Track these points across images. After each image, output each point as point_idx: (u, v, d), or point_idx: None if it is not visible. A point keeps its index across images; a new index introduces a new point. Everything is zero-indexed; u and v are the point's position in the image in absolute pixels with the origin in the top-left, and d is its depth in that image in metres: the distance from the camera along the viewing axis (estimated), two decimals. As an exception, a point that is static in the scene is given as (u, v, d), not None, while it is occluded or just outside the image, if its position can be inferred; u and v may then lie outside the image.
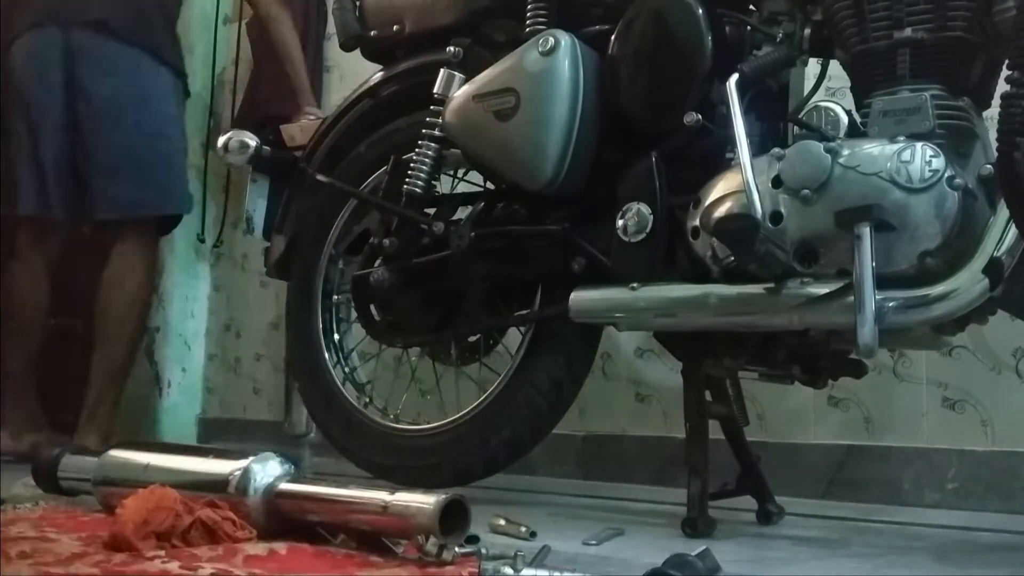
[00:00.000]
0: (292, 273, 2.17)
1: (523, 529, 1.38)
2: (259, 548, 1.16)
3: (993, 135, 1.20)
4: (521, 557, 1.05)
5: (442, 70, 1.84)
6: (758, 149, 1.46)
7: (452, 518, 1.12)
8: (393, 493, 1.16)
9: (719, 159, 1.54)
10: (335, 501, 1.22)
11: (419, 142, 1.87)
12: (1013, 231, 1.29)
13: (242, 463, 1.29)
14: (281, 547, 1.17)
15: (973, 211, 1.33)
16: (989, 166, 1.33)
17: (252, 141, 2.05)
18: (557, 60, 1.63)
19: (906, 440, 2.03)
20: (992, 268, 1.30)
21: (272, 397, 3.28)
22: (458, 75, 1.82)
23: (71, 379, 2.96)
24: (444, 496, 1.11)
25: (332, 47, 3.20)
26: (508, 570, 1.03)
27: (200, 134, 3.59)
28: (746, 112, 1.46)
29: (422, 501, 1.12)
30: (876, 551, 1.45)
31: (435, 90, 1.84)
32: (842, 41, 1.45)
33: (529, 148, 1.64)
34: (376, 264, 1.88)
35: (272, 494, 1.26)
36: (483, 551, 1.15)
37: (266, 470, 1.29)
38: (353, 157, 2.06)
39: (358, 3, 2.05)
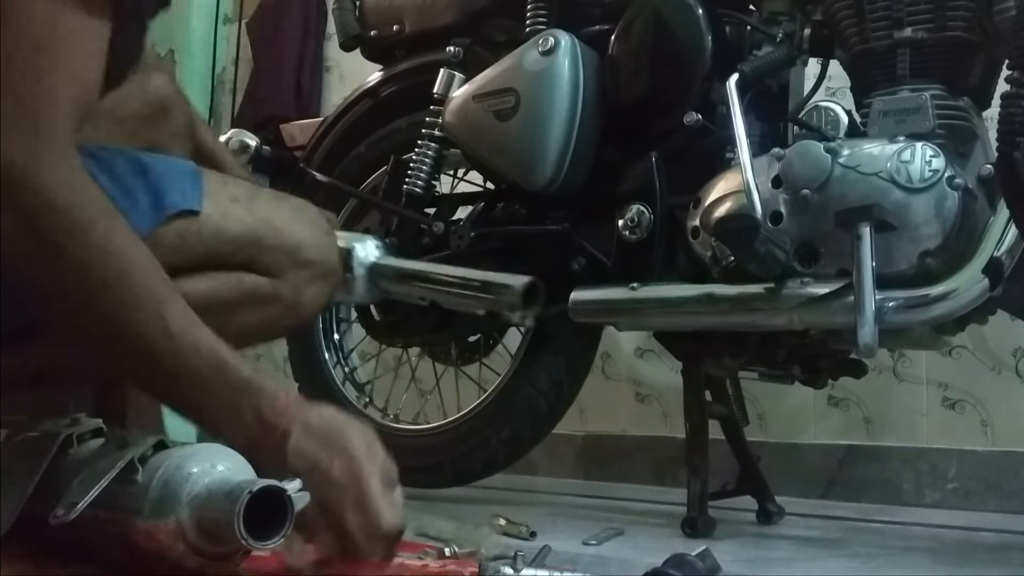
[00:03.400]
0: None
1: (523, 529, 1.38)
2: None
3: (993, 135, 1.20)
4: (521, 557, 1.04)
5: (442, 70, 1.84)
6: (758, 149, 1.46)
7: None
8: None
9: (719, 159, 1.54)
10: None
11: (419, 142, 1.87)
12: (1013, 231, 1.29)
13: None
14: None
15: (973, 211, 1.33)
16: (989, 166, 1.33)
17: (252, 141, 2.05)
18: (557, 60, 1.63)
19: (906, 440, 2.03)
20: (992, 268, 1.30)
21: (272, 397, 3.28)
22: (458, 75, 1.82)
23: None
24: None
25: (332, 47, 3.20)
26: (508, 570, 1.02)
27: (200, 134, 3.59)
28: (746, 112, 1.46)
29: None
30: (876, 551, 1.45)
31: (435, 90, 1.83)
32: (842, 41, 1.45)
33: (529, 148, 1.64)
34: (376, 264, 1.88)
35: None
36: (483, 551, 1.15)
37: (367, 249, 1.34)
38: (353, 157, 2.06)
39: (358, 3, 2.05)
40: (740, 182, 1.41)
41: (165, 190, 1.13)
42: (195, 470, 0.92)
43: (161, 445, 0.97)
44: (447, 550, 1.16)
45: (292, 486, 0.92)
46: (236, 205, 1.19)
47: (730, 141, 1.48)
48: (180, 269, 1.13)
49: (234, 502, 0.86)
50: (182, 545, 0.90)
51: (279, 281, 1.22)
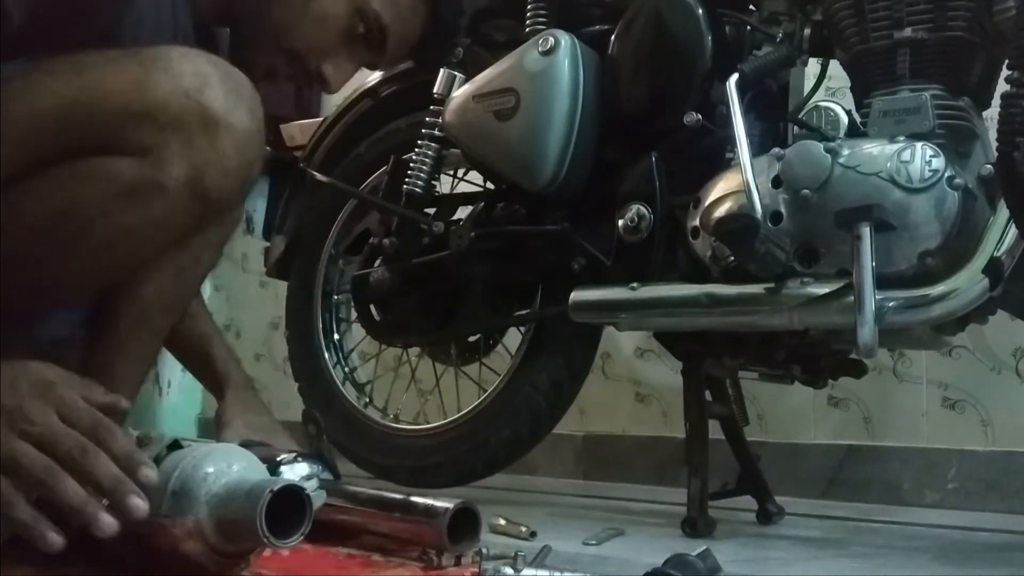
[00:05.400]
0: (292, 273, 2.17)
1: (523, 529, 1.38)
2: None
3: (993, 135, 1.20)
4: (521, 557, 1.04)
5: (442, 70, 1.84)
6: (758, 149, 1.46)
7: (461, 526, 1.11)
8: (406, 500, 1.15)
9: (719, 159, 1.54)
10: (352, 508, 1.21)
11: (419, 142, 1.87)
12: (1013, 231, 1.29)
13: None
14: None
15: (973, 211, 1.33)
16: (989, 166, 1.33)
17: (252, 141, 2.05)
18: (557, 60, 1.63)
19: (906, 440, 2.03)
20: (992, 268, 1.30)
21: (273, 397, 3.28)
22: (458, 75, 1.82)
23: None
24: (451, 507, 1.10)
25: (332, 47, 3.19)
26: (508, 570, 1.03)
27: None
28: (746, 112, 1.46)
29: (428, 511, 1.11)
30: (876, 551, 1.45)
31: (435, 90, 1.84)
32: (842, 41, 1.45)
33: (529, 148, 1.64)
34: (376, 264, 1.88)
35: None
36: (483, 551, 1.15)
37: (294, 471, 1.29)
38: (353, 157, 2.06)
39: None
40: (740, 182, 1.41)
41: None
42: (211, 470, 0.93)
43: (175, 445, 0.97)
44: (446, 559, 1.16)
45: (310, 485, 0.92)
46: (52, 77, 0.98)
47: (730, 141, 1.48)
48: (24, 168, 0.97)
49: (255, 501, 0.86)
50: (200, 544, 0.91)
51: (147, 159, 0.98)
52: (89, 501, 0.84)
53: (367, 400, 2.08)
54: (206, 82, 1.00)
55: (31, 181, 0.98)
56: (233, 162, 1.01)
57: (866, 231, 1.29)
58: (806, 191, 1.37)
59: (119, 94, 0.97)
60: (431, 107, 1.85)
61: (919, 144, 1.33)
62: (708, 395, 1.61)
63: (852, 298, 1.30)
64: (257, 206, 2.25)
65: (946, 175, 1.31)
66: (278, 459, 1.29)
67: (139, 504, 0.85)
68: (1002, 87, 1.19)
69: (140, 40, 1.06)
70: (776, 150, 1.43)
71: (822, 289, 1.36)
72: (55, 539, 0.84)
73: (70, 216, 0.99)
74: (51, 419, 0.86)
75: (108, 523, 0.84)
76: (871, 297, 1.29)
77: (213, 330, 1.50)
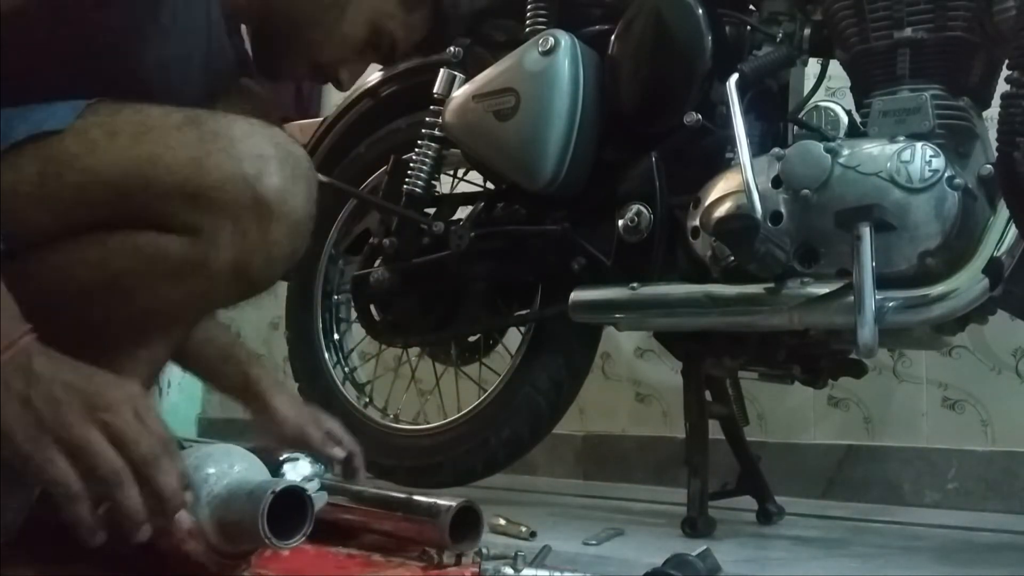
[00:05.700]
0: (292, 273, 2.17)
1: (523, 529, 1.38)
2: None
3: (993, 135, 1.20)
4: (521, 557, 1.05)
5: (442, 70, 1.84)
6: (758, 149, 1.46)
7: (463, 525, 1.11)
8: (408, 499, 1.15)
9: (719, 159, 1.54)
10: (355, 507, 1.21)
11: (419, 142, 1.87)
12: (1013, 231, 1.29)
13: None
14: (283, 547, 1.17)
15: (973, 211, 1.33)
16: (989, 166, 1.33)
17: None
18: (557, 60, 1.63)
19: (906, 440, 2.03)
20: (992, 268, 1.30)
21: (272, 397, 3.28)
22: (458, 75, 1.82)
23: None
24: (453, 505, 1.11)
25: (332, 47, 3.19)
26: (508, 570, 1.03)
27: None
28: (746, 112, 1.46)
29: (431, 510, 1.11)
30: (876, 551, 1.45)
31: (435, 90, 1.84)
32: (842, 41, 1.45)
33: (529, 148, 1.64)
34: (376, 264, 1.88)
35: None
36: (483, 551, 1.15)
37: (296, 470, 1.29)
38: (353, 157, 2.06)
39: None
40: (740, 182, 1.41)
41: (25, 117, 0.93)
42: (212, 471, 0.93)
43: (177, 446, 0.97)
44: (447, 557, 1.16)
45: (311, 486, 0.92)
46: (114, 140, 0.95)
47: (730, 141, 1.48)
48: (69, 229, 0.95)
49: (257, 502, 0.87)
50: (202, 544, 0.91)
51: (197, 241, 0.95)
52: (142, 511, 0.82)
53: (367, 400, 2.09)
54: (265, 168, 0.97)
55: (75, 243, 0.97)
56: (283, 250, 1.00)
57: (866, 231, 1.29)
58: (806, 191, 1.37)
59: (176, 171, 0.95)
60: (431, 107, 1.85)
61: (919, 144, 1.33)
62: (708, 395, 1.61)
63: (852, 298, 1.30)
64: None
65: (946, 175, 1.31)
66: (280, 459, 1.30)
67: (185, 519, 0.88)
68: (1002, 87, 1.19)
69: (170, 33, 1.04)
70: (776, 150, 1.43)
71: (822, 289, 1.36)
72: (102, 537, 0.82)
73: (114, 287, 0.98)
74: (129, 415, 0.82)
75: (146, 535, 0.83)
76: (871, 297, 1.29)
77: (232, 338, 1.51)
